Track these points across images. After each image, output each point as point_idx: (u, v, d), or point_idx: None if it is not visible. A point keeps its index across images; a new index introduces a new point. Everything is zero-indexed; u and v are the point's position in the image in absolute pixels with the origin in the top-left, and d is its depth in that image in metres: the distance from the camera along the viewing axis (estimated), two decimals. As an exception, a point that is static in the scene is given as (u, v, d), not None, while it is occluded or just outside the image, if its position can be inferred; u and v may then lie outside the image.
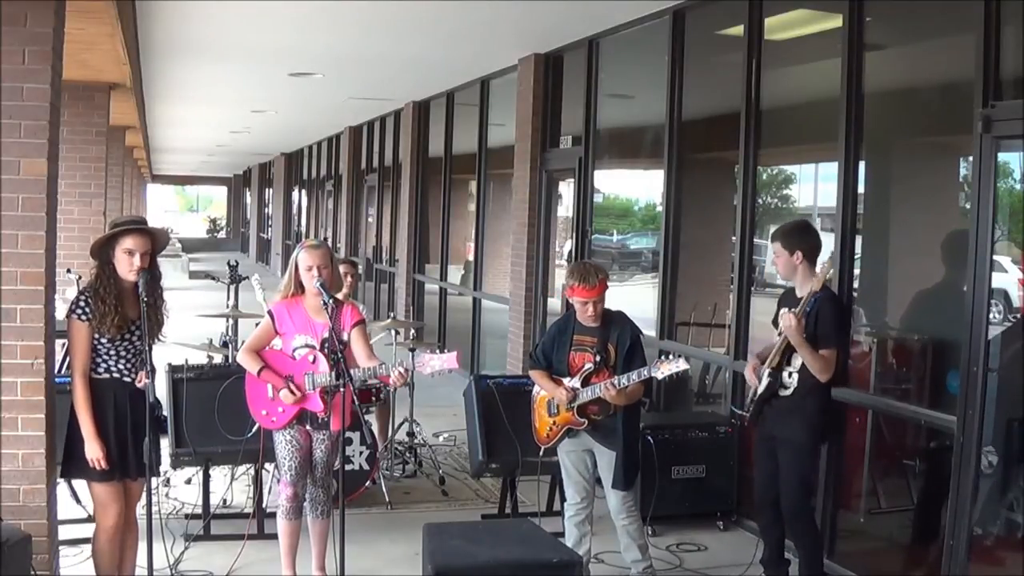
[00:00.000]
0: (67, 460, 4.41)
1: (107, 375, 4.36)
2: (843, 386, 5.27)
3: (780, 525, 5.09)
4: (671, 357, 4.75)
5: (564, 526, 5.21)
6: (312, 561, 4.99)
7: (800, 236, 4.98)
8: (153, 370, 4.32)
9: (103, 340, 4.33)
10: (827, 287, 4.96)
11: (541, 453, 5.21)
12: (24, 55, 4.28)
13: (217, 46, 9.32)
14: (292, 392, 4.76)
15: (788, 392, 4.82)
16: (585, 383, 4.92)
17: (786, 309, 4.76)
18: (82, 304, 4.32)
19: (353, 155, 17.62)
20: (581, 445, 5.07)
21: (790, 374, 4.81)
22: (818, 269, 4.82)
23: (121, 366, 4.38)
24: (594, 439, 5.00)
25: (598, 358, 4.90)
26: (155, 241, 4.45)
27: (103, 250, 4.39)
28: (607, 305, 5.01)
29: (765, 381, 4.84)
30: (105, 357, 4.35)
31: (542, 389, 5.14)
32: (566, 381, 5.00)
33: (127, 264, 4.33)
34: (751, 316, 6.35)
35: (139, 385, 4.36)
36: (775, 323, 5.13)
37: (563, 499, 5.24)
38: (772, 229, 5.33)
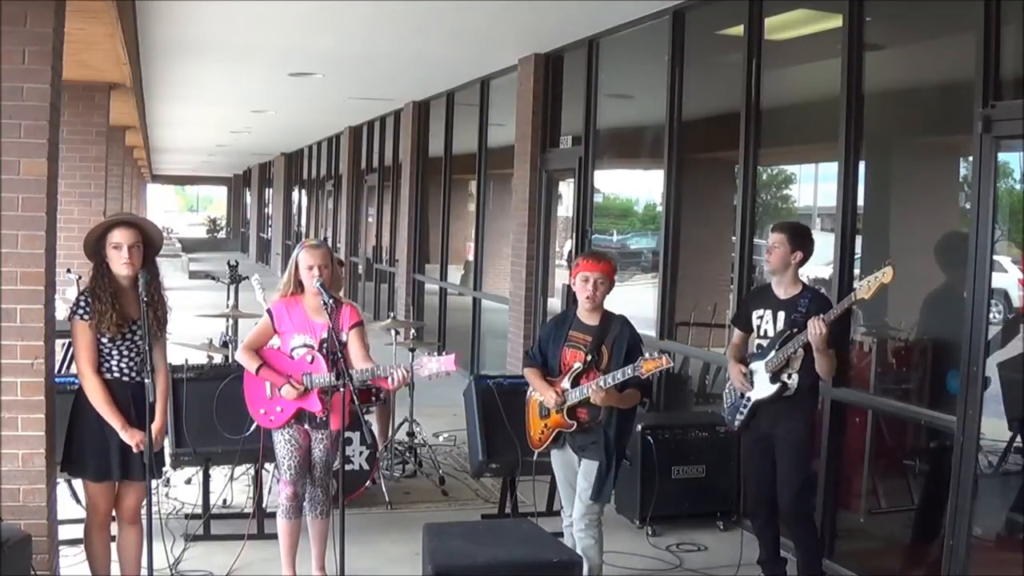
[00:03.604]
0: (65, 459, 4.42)
1: (108, 375, 4.35)
2: (843, 385, 5.27)
3: (775, 524, 5.08)
4: (655, 355, 4.44)
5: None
6: (312, 561, 4.99)
7: (807, 239, 4.95)
8: (153, 369, 4.32)
9: (103, 340, 4.33)
10: (814, 288, 4.97)
11: (535, 457, 5.00)
12: (24, 55, 4.27)
13: (217, 46, 9.32)
14: (294, 387, 4.74)
15: (789, 392, 4.82)
16: (575, 384, 4.63)
17: (816, 317, 4.57)
18: (82, 304, 4.33)
19: (353, 155, 17.62)
20: (566, 457, 4.83)
21: (789, 375, 4.80)
22: (878, 274, 4.51)
23: (123, 366, 4.38)
24: (575, 452, 4.76)
25: (589, 358, 4.60)
26: (146, 236, 4.43)
27: (95, 249, 4.39)
28: (611, 308, 4.77)
29: (772, 387, 4.82)
30: (107, 357, 4.35)
31: (534, 389, 4.87)
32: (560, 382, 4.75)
33: (117, 258, 4.33)
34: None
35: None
36: (737, 322, 5.17)
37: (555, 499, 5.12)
38: (772, 224, 5.31)
